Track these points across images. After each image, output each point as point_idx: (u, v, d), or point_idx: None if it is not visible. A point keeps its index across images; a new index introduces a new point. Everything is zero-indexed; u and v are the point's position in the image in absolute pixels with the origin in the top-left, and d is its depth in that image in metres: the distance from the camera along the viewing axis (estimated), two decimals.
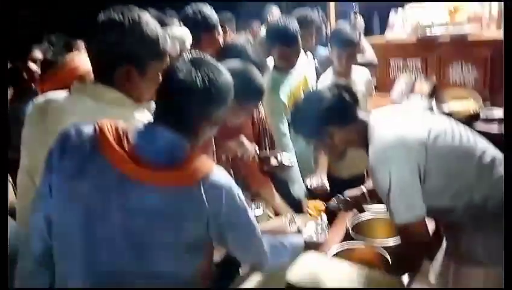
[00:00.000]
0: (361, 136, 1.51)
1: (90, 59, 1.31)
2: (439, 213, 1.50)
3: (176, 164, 1.05)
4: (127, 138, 1.05)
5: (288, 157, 2.15)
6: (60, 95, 1.33)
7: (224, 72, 1.14)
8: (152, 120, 1.12)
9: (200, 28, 2.28)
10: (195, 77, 1.07)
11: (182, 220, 1.06)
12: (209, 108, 1.11)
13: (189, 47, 2.06)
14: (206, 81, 1.08)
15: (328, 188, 2.25)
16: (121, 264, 1.06)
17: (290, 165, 2.13)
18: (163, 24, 1.90)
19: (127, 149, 1.04)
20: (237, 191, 1.14)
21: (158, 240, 1.06)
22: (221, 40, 2.42)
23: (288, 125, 2.35)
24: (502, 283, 1.16)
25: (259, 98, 1.74)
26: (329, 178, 2.39)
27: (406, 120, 1.51)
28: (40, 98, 1.36)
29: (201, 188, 1.05)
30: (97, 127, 1.06)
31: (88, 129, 1.08)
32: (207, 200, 1.06)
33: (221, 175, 1.11)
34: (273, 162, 2.09)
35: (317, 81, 2.63)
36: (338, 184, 2.44)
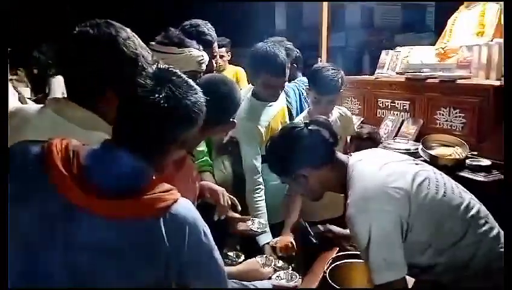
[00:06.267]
0: (340, 179, 1.41)
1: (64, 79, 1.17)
2: (419, 271, 1.37)
3: (133, 191, 0.91)
4: (77, 158, 0.91)
5: (261, 223, 2.00)
6: (33, 107, 1.22)
7: (195, 88, 1.01)
8: (108, 140, 0.98)
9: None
10: (158, 94, 0.93)
11: (136, 259, 0.92)
12: (175, 130, 0.97)
13: (204, 68, 1.93)
14: (171, 100, 0.94)
15: (295, 247, 2.05)
16: None
17: (259, 232, 1.98)
18: (182, 45, 1.81)
19: (75, 172, 0.89)
20: (203, 227, 1.00)
21: (107, 281, 0.91)
22: (219, 62, 2.28)
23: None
24: None
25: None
26: (301, 224, 2.21)
27: (388, 167, 1.40)
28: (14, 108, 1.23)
29: (161, 221, 0.92)
30: (45, 145, 0.92)
31: (35, 148, 0.94)
32: (167, 236, 0.92)
33: (185, 207, 0.97)
34: (242, 226, 1.96)
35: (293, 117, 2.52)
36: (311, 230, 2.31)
